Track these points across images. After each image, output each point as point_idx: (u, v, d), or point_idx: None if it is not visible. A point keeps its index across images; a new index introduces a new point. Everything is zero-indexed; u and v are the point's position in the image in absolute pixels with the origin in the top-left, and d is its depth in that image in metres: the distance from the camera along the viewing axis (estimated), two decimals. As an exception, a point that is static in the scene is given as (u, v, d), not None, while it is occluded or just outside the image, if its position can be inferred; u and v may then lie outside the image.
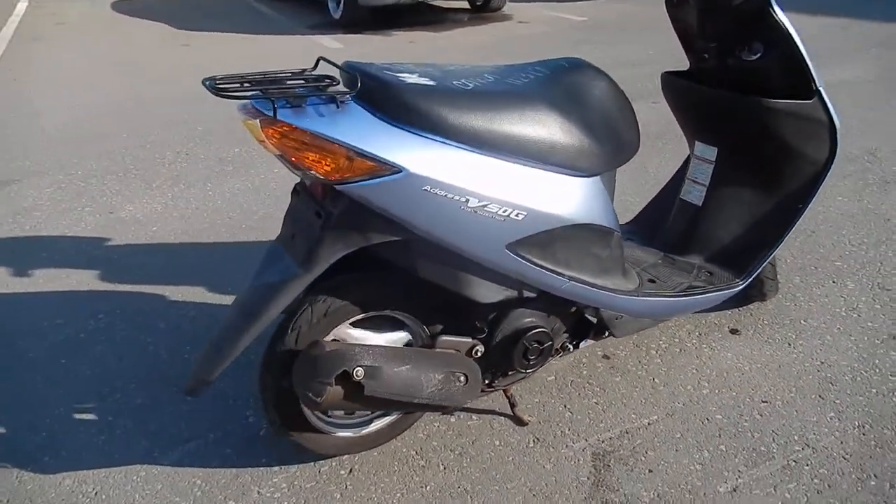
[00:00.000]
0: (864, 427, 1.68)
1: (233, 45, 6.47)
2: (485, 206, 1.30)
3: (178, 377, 1.93)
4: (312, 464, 1.63)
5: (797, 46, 1.59)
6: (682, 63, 1.94)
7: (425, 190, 1.25)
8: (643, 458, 1.62)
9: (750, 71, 1.67)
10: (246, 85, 1.25)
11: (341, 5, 7.00)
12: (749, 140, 1.75)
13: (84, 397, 1.87)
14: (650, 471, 1.58)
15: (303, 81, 1.27)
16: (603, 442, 1.67)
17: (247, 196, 3.12)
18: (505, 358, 1.52)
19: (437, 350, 1.44)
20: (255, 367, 1.91)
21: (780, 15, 1.58)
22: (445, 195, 1.26)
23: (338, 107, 1.23)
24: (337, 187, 1.24)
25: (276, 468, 1.63)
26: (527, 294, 1.47)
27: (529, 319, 1.51)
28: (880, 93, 4.22)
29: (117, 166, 3.50)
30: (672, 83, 1.87)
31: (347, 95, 1.26)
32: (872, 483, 1.52)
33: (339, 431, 1.56)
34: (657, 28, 6.73)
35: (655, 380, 1.87)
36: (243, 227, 2.83)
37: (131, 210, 3.00)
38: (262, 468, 1.63)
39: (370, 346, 1.37)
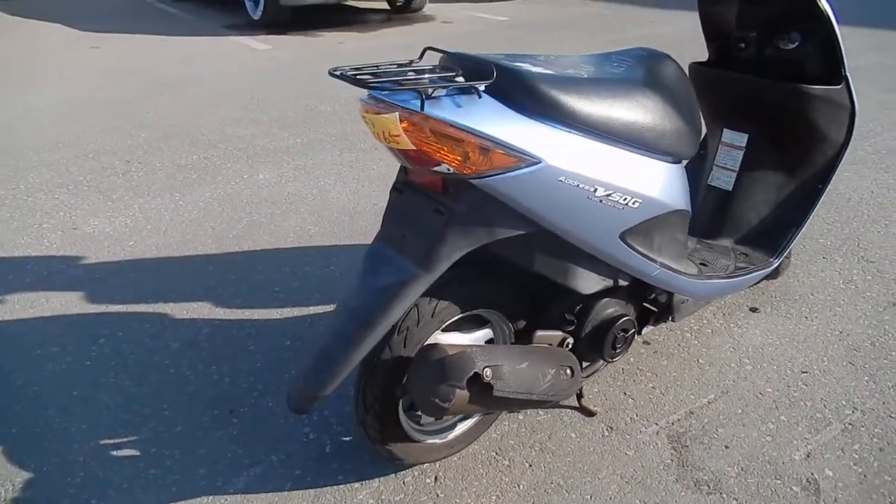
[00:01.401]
0: (897, 388, 1.81)
1: (149, 47, 6.09)
2: (609, 195, 1.30)
3: (214, 399, 1.80)
4: (394, 475, 1.57)
5: (836, 34, 1.70)
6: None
7: (560, 181, 1.23)
8: (716, 436, 1.67)
9: (786, 59, 1.77)
10: (376, 78, 1.18)
11: (261, 5, 6.76)
12: (781, 125, 1.84)
13: (113, 429, 1.70)
14: (726, 447, 1.63)
15: (429, 73, 1.21)
16: (673, 424, 1.70)
17: (223, 205, 2.94)
18: (594, 348, 1.52)
19: (544, 346, 1.42)
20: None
21: (825, 3, 1.67)
22: (577, 185, 1.25)
23: (479, 97, 1.18)
24: (473, 181, 1.19)
25: (356, 485, 1.55)
26: (621, 283, 1.48)
27: (615, 308, 1.52)
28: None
29: (63, 178, 3.20)
30: (702, 73, 1.94)
31: (483, 86, 1.21)
32: (924, 438, 1.64)
33: (429, 438, 1.50)
34: (572, 26, 7.00)
35: (700, 360, 1.93)
36: (230, 236, 2.67)
37: (97, 224, 2.76)
38: (341, 486, 1.54)
39: (489, 345, 1.33)
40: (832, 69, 1.76)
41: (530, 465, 1.59)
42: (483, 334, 1.49)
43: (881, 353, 1.94)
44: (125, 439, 1.68)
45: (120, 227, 2.75)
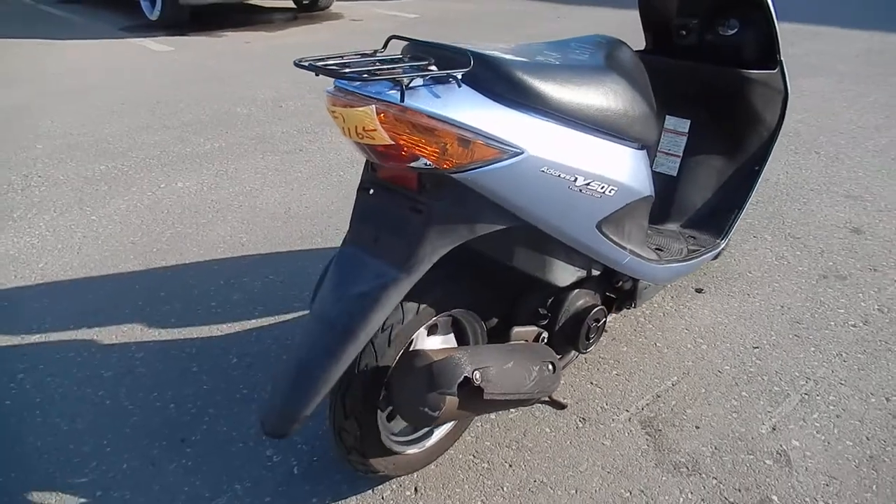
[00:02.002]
0: (842, 355, 1.89)
1: (39, 52, 5.62)
2: (588, 184, 1.26)
3: (161, 428, 1.65)
4: (371, 491, 1.48)
5: (773, 20, 1.75)
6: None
7: (542, 171, 1.18)
8: (685, 417, 1.68)
9: (725, 45, 1.81)
10: (344, 69, 1.09)
11: (158, 5, 6.39)
12: (721, 110, 1.89)
13: (49, 475, 1.53)
14: (697, 427, 1.65)
15: (402, 62, 1.13)
16: (642, 409, 1.71)
17: (142, 217, 2.74)
18: (569, 340, 1.50)
19: (522, 343, 1.38)
20: (249, 400, 1.73)
21: (764, -9, 1.73)
22: (559, 175, 1.21)
23: (459, 86, 1.11)
24: (454, 175, 1.12)
25: (332, 505, 1.45)
26: (594, 273, 1.46)
27: (586, 299, 1.50)
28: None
29: (-47, 198, 2.88)
30: (643, 61, 1.95)
31: (460, 74, 1.14)
32: (873, 400, 1.72)
33: (408, 449, 1.43)
34: (482, 22, 7.05)
35: (657, 344, 1.95)
36: (154, 251, 2.48)
37: (-1, 247, 2.49)
38: (316, 508, 1.45)
39: (474, 347, 1.27)
40: (768, 54, 1.82)
41: (510, 466, 1.55)
42: (452, 336, 1.44)
43: (821, 323, 2.03)
44: (65, 483, 1.50)
45: (25, 248, 2.50)
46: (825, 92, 4.34)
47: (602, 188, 1.30)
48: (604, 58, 1.40)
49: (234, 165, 3.27)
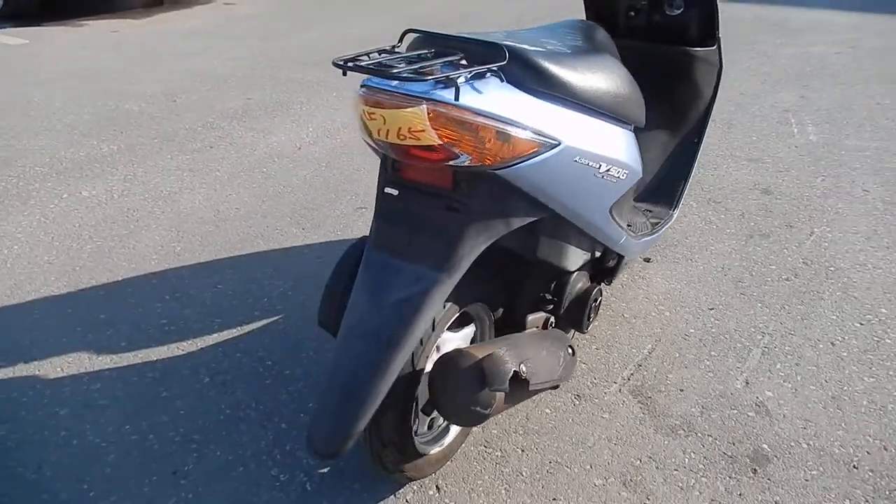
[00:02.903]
0: (785, 308, 2.07)
1: None
2: (609, 169, 1.28)
3: (146, 463, 1.52)
4: (393, 497, 1.45)
5: (714, 1, 1.86)
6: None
7: (575, 161, 1.18)
8: (668, 382, 1.78)
9: (671, 24, 1.89)
10: (389, 68, 1.03)
11: (1, -8, 5.72)
12: (666, 86, 1.98)
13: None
14: (681, 390, 1.76)
15: (438, 59, 1.09)
16: (629, 380, 1.79)
17: (51, 232, 2.47)
18: (573, 322, 1.53)
19: (547, 330, 1.39)
20: (235, 420, 1.63)
21: (705, -31, 1.82)
22: (587, 164, 1.22)
23: (502, 81, 1.08)
24: (497, 172, 1.10)
25: (356, 517, 1.41)
26: (597, 254, 1.50)
27: (584, 281, 1.54)
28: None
29: None
30: None
31: (495, 67, 1.11)
32: (821, 346, 1.90)
33: (432, 449, 1.41)
34: (364, 4, 6.91)
35: (625, 315, 2.05)
36: (77, 269, 2.25)
37: None
38: (341, 523, 1.40)
39: (509, 340, 1.26)
40: (708, 31, 1.93)
41: (523, 451, 1.57)
42: (470, 330, 1.43)
43: (760, 280, 2.21)
44: (52, 539, 1.35)
45: (-81, 279, 2.18)
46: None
47: (618, 172, 1.34)
48: (595, 43, 1.43)
49: (141, 168, 3.02)
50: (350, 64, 1.05)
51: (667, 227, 2.01)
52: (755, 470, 1.52)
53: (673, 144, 2.10)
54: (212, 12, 6.42)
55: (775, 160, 3.11)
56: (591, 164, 1.24)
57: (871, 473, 1.50)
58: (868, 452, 1.55)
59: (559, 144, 1.16)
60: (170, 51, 4.92)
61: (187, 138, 3.37)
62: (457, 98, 1.03)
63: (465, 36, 1.17)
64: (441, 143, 1.05)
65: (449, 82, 1.03)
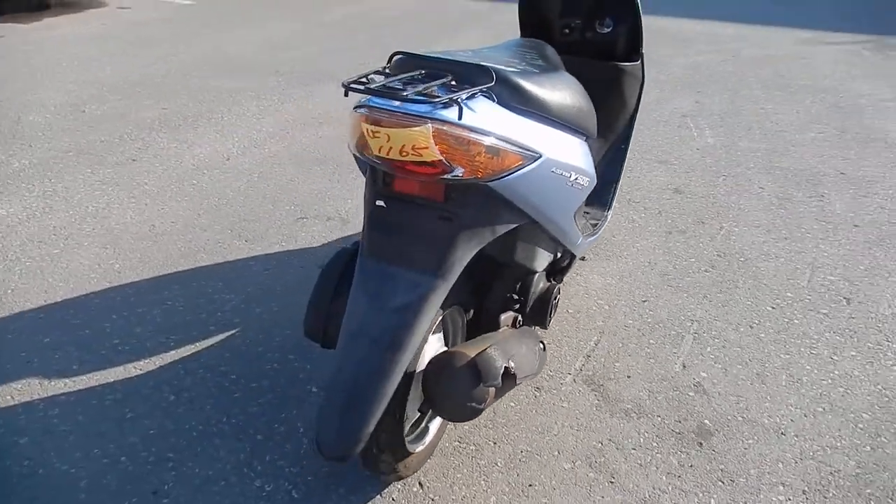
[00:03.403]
0: (707, 297, 2.29)
1: None
2: (576, 178, 1.40)
3: (122, 487, 1.50)
4: (379, 496, 1.51)
5: (640, 17, 2.03)
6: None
7: (552, 172, 1.29)
8: (616, 370, 1.94)
9: (601, 41, 2.06)
10: (397, 90, 1.11)
11: None
12: (597, 98, 2.14)
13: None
14: (628, 376, 1.92)
15: (433, 80, 1.16)
16: (580, 371, 1.93)
17: (-27, 255, 2.33)
18: (537, 320, 1.64)
19: (524, 328, 1.49)
20: (209, 435, 1.64)
21: (635, -9, 2.00)
22: (561, 173, 1.32)
23: (494, 100, 1.16)
24: (489, 184, 1.18)
25: (348, 518, 1.46)
26: (558, 256, 1.62)
27: (545, 281, 1.66)
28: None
29: None
30: None
31: (485, 88, 1.20)
32: (741, 329, 2.13)
33: (417, 447, 1.48)
34: (264, 4, 6.80)
35: (569, 311, 2.19)
36: (10, 291, 2.15)
37: None
38: (334, 525, 1.44)
39: (495, 337, 1.35)
40: (633, 47, 2.11)
41: (495, 443, 1.67)
42: (441, 333, 1.51)
43: (683, 273, 2.43)
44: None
45: None
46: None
47: (582, 180, 1.46)
48: (550, 61, 1.55)
49: (60, 184, 2.88)
50: (360, 87, 1.11)
51: (604, 226, 2.18)
52: (701, 444, 1.69)
53: (605, 151, 2.28)
54: (107, 17, 6.12)
55: (681, 162, 3.39)
56: (563, 173, 1.36)
57: (796, 438, 1.71)
58: (792, 420, 1.77)
59: (540, 157, 1.27)
60: (67, 58, 4.67)
61: (105, 151, 3.24)
62: (460, 118, 1.11)
63: (452, 58, 1.26)
64: (441, 158, 1.13)
65: (450, 103, 1.12)
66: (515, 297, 1.60)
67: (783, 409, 1.81)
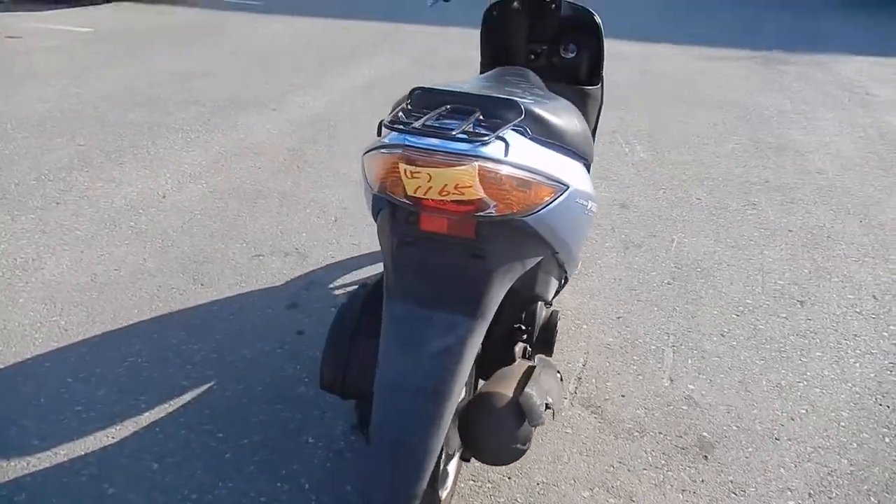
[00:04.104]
0: (676, 309, 2.36)
1: None
2: (591, 206, 1.39)
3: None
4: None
5: (602, 42, 2.08)
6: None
7: (577, 202, 1.27)
8: (609, 390, 1.95)
9: (566, 65, 2.08)
10: (443, 130, 1.08)
11: None
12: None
13: None
14: (622, 395, 1.93)
15: (452, 115, 1.13)
16: (576, 393, 1.93)
17: None
18: (543, 349, 1.62)
19: (540, 358, 1.46)
20: (210, 502, 1.51)
21: (598, 19, 2.03)
22: (582, 203, 1.31)
23: (527, 135, 1.13)
24: (525, 218, 1.15)
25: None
26: (563, 283, 1.60)
27: (548, 308, 1.65)
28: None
29: None
30: None
31: (518, 122, 1.18)
32: (715, 338, 2.20)
33: (443, 493, 1.42)
34: (167, 37, 6.50)
35: (550, 333, 2.19)
36: (-59, 362, 1.90)
37: None
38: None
39: (527, 373, 1.31)
40: (594, 72, 2.16)
41: (509, 477, 1.64)
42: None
43: (648, 287, 2.49)
44: None
45: None
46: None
47: (594, 207, 1.46)
48: (542, 87, 1.55)
49: (-25, 233, 2.61)
50: (401, 126, 1.06)
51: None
52: (706, 457, 1.73)
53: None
54: (-6, 47, 5.66)
55: (620, 177, 3.50)
56: (583, 202, 1.36)
57: (790, 442, 1.78)
58: (782, 424, 1.84)
59: (568, 188, 1.25)
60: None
61: (23, 195, 2.96)
62: (506, 154, 1.08)
63: (477, 93, 1.22)
64: (484, 197, 1.10)
65: (494, 140, 1.09)
66: (522, 327, 1.57)
67: (771, 414, 1.88)
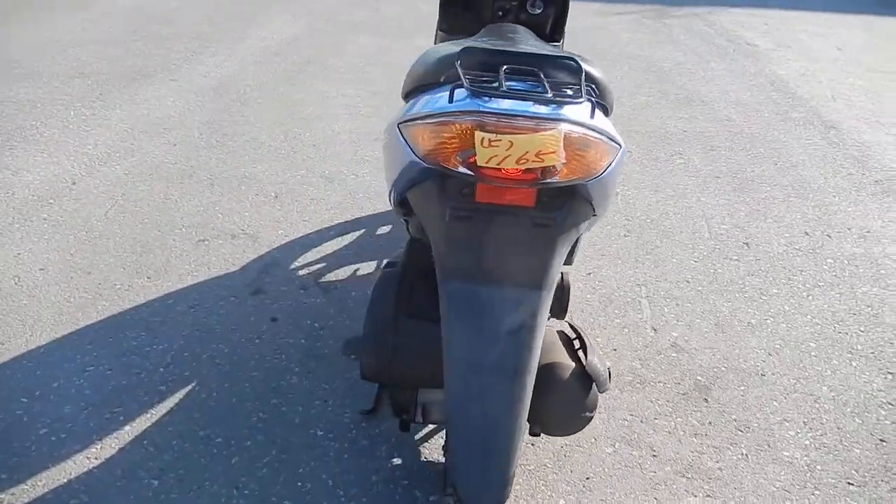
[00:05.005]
0: (638, 259, 2.42)
1: None
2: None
3: None
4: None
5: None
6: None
7: (624, 161, 1.23)
8: (600, 344, 1.97)
9: (532, 22, 2.03)
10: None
11: None
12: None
13: None
14: (614, 349, 1.96)
15: (517, 76, 1.06)
16: (571, 353, 1.94)
17: None
18: (559, 310, 1.60)
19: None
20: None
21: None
22: (625, 161, 1.27)
23: (594, 96, 1.07)
24: (588, 183, 1.11)
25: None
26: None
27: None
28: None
29: None
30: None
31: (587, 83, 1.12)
32: (682, 285, 2.29)
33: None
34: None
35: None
36: None
37: None
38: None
39: (580, 342, 1.27)
40: (557, 28, 2.12)
41: (533, 444, 1.62)
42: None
43: (608, 241, 2.54)
44: None
45: None
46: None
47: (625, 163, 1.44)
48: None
49: None
50: (490, 89, 0.96)
51: None
52: (706, 399, 1.80)
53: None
54: None
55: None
56: (625, 161, 1.33)
57: (774, 376, 1.89)
58: (763, 361, 1.95)
59: (622, 147, 1.21)
60: None
61: None
62: (592, 116, 1.02)
63: (535, 52, 1.15)
64: (564, 162, 1.03)
65: (584, 101, 1.02)
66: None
67: (750, 352, 1.98)
